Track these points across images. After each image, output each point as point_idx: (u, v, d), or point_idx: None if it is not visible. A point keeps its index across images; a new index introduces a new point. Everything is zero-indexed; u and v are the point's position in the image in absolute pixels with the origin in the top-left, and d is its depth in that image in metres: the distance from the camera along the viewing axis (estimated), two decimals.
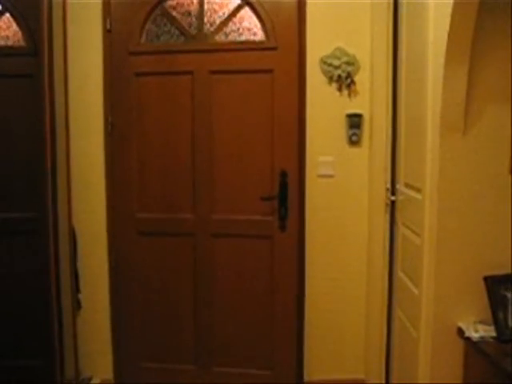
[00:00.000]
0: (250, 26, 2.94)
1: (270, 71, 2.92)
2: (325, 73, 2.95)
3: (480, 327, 2.07)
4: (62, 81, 2.95)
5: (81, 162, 3.05)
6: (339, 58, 2.93)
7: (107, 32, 3.03)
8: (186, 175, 3.05)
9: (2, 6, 2.94)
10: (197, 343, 3.15)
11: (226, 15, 2.96)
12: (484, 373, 1.97)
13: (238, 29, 2.96)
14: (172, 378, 3.17)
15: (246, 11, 2.95)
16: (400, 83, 2.77)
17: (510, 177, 2.10)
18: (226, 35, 2.97)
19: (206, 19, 2.97)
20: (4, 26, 2.96)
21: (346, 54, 2.94)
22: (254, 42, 2.95)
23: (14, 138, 2.95)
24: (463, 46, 1.99)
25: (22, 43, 2.96)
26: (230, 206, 3.04)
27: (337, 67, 2.94)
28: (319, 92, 2.97)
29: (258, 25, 2.93)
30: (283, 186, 2.95)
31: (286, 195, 2.95)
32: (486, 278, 2.06)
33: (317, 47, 2.94)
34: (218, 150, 3.02)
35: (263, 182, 2.99)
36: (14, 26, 2.95)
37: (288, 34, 2.89)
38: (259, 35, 2.93)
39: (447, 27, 1.96)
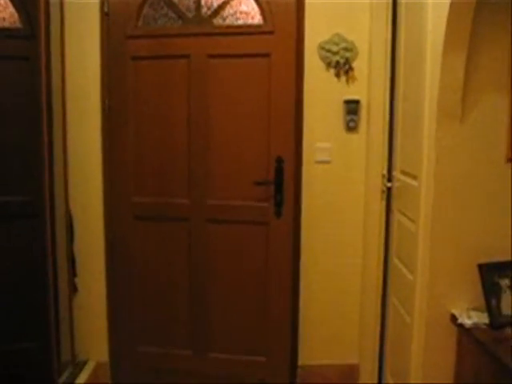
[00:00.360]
0: (247, 10, 2.90)
1: (267, 55, 2.87)
2: (323, 58, 2.94)
3: (473, 314, 2.09)
4: (59, 63, 2.94)
5: (78, 145, 3.03)
6: (337, 44, 2.92)
7: (105, 15, 3.00)
8: (181, 159, 3.03)
9: None
10: (192, 328, 3.16)
11: None
12: (476, 359, 1.99)
13: (236, 12, 2.92)
14: (168, 362, 3.19)
15: None
16: (398, 70, 2.76)
17: (506, 165, 2.11)
18: (224, 19, 2.93)
19: (203, 2, 2.94)
20: (0, 8, 2.93)
21: (345, 40, 2.92)
22: (251, 26, 2.91)
23: (10, 120, 2.94)
24: (462, 33, 1.99)
25: (19, 25, 2.94)
26: (225, 191, 3.02)
27: (335, 53, 2.92)
28: (317, 78, 2.96)
29: (256, 8, 2.89)
30: (279, 172, 2.92)
31: (282, 181, 2.92)
32: (480, 266, 2.07)
33: (315, 33, 2.92)
34: (214, 134, 2.99)
35: (259, 168, 2.96)
36: (11, 8, 2.92)
37: (286, 18, 2.84)
38: (257, 19, 2.90)
39: (446, 14, 1.95)
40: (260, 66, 2.89)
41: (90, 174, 3.08)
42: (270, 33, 2.86)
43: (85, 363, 3.17)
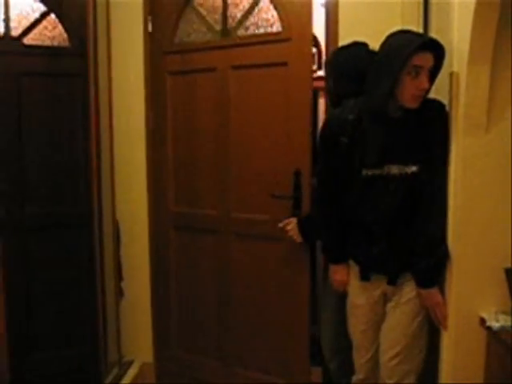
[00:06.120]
0: (267, 17, 2.87)
1: (285, 64, 2.78)
2: None
3: (501, 317, 2.14)
4: (106, 81, 3.11)
5: (123, 157, 3.21)
6: None
7: (149, 34, 3.16)
8: (209, 171, 3.09)
9: (48, 7, 3.07)
10: (218, 339, 3.19)
11: (246, 8, 2.92)
12: (504, 361, 2.04)
13: (257, 21, 2.90)
14: (200, 370, 3.26)
15: (265, 2, 2.87)
16: None
17: None
18: (246, 29, 2.93)
19: (228, 13, 2.96)
20: (50, 27, 3.11)
21: None
22: (271, 34, 2.85)
23: (61, 137, 3.12)
24: (486, 44, 2.04)
25: (67, 43, 3.11)
26: (247, 204, 3.00)
27: None
28: None
29: (276, 15, 2.83)
30: (296, 186, 2.78)
31: (300, 196, 2.78)
32: (507, 270, 2.12)
33: None
34: (235, 145, 2.99)
35: (280, 181, 2.85)
36: (60, 27, 3.11)
37: (302, 23, 2.73)
38: (275, 26, 2.84)
39: (470, 27, 2.03)
40: (279, 74, 2.81)
41: (135, 184, 3.24)
42: (288, 39, 2.76)
43: (131, 363, 3.31)
